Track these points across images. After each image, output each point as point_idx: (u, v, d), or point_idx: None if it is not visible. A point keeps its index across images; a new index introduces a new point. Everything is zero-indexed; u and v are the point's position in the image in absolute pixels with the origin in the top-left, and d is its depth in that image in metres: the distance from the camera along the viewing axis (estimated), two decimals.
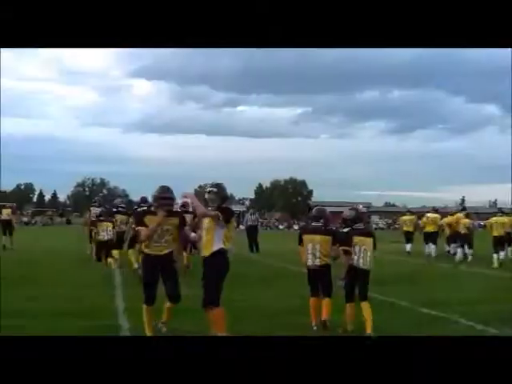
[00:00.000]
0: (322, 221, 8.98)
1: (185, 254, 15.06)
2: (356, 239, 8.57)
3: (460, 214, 22.86)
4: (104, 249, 16.01)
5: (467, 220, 21.96)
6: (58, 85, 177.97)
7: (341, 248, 8.62)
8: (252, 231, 25.80)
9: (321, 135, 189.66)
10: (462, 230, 21.59)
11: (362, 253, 8.56)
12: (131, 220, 15.66)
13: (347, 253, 8.54)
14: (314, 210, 9.35)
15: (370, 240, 8.71)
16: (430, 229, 22.70)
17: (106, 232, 16.02)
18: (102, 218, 16.66)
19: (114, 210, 17.54)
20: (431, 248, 22.40)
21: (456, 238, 22.18)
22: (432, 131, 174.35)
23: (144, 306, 7.97)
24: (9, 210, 24.82)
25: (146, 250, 7.94)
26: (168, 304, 8.07)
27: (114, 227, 16.22)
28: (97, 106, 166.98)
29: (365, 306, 8.49)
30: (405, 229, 24.28)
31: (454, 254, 22.00)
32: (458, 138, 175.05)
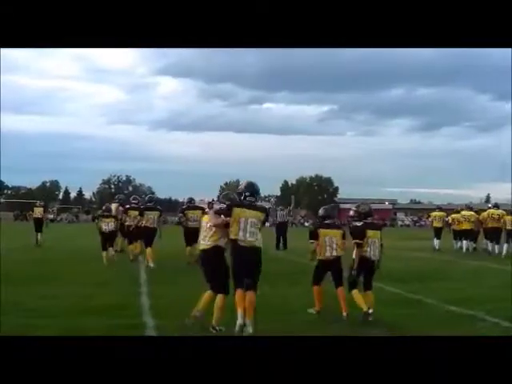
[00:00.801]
0: (336, 218, 9.96)
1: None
2: (369, 232, 9.24)
3: (492, 210, 23.13)
4: (105, 240, 17.60)
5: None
6: (84, 83, 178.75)
7: (354, 241, 9.23)
8: (281, 227, 25.77)
9: (347, 132, 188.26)
10: (509, 227, 21.93)
11: (373, 245, 9.24)
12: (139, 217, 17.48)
13: (359, 245, 9.15)
14: (324, 210, 10.08)
15: (379, 233, 9.47)
16: (465, 226, 23.17)
17: (107, 226, 17.56)
18: (105, 214, 18.20)
19: (127, 206, 18.96)
20: (467, 244, 22.99)
21: (490, 234, 22.56)
22: (458, 129, 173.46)
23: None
24: (41, 209, 25.99)
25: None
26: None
27: (116, 221, 17.91)
28: (123, 103, 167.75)
29: (370, 295, 9.21)
30: (435, 225, 24.98)
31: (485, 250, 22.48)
32: (484, 136, 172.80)
